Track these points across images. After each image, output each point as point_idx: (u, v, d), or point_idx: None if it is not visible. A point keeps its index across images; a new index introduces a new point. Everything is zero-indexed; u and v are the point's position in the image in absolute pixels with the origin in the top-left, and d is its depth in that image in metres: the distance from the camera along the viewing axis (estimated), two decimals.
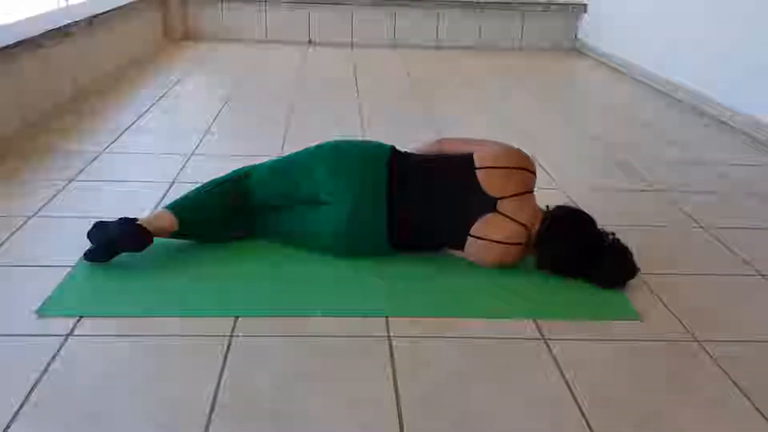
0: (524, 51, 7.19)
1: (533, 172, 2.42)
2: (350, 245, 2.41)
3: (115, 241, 2.28)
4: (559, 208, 2.40)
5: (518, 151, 2.44)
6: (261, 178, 2.47)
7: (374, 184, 2.37)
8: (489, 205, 2.32)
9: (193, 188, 2.50)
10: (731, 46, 4.63)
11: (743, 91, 4.46)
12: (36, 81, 4.07)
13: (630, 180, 3.49)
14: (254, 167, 2.55)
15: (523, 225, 2.32)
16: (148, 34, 6.50)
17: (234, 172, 2.54)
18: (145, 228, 2.29)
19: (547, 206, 2.39)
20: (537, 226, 2.33)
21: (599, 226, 2.38)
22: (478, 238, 2.33)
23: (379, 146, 2.52)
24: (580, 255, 2.31)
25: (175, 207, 2.40)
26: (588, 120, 4.70)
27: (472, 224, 2.34)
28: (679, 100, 5.19)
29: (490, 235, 2.32)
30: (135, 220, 2.43)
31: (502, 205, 2.32)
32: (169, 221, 2.35)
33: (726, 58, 4.68)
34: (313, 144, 2.57)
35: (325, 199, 2.39)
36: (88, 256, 2.31)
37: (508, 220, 2.31)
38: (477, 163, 2.36)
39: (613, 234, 2.36)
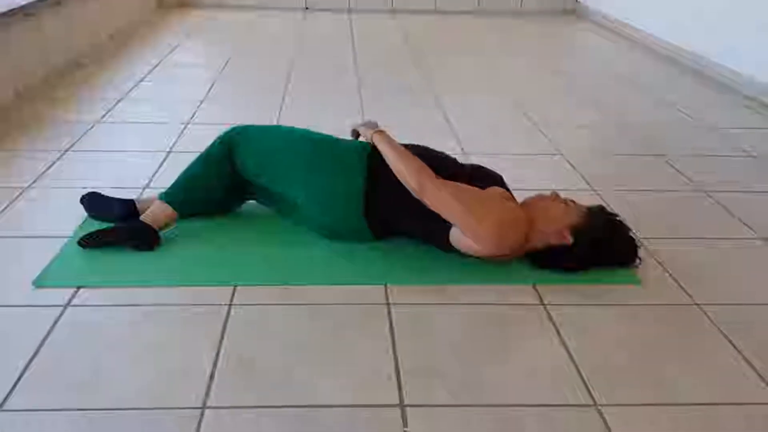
0: (524, 15, 7.11)
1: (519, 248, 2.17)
2: (336, 240, 2.36)
3: (125, 243, 2.25)
4: (551, 258, 2.19)
5: (497, 251, 2.12)
6: (244, 163, 2.36)
7: (348, 199, 2.25)
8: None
9: (183, 170, 2.42)
10: (734, 8, 4.56)
11: (746, 53, 4.41)
12: (29, 51, 4.02)
13: (630, 144, 3.46)
14: (237, 141, 2.38)
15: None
16: (143, 2, 6.41)
17: (220, 141, 2.41)
18: (156, 231, 2.29)
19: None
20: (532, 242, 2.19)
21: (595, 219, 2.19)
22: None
23: (354, 173, 2.25)
24: (578, 267, 2.21)
25: (172, 198, 2.35)
26: (588, 84, 4.65)
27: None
28: (680, 63, 5.14)
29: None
30: (133, 203, 2.43)
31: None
32: (170, 215, 2.33)
33: (729, 21, 4.62)
34: (296, 128, 2.44)
35: (303, 207, 2.34)
36: (85, 244, 2.24)
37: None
38: (452, 241, 2.17)
39: (611, 218, 2.21)
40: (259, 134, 2.42)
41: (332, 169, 2.27)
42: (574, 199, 2.25)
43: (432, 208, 2.14)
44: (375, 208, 2.25)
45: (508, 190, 2.27)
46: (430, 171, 2.16)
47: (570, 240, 2.13)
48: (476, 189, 2.17)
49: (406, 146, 2.32)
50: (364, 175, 2.24)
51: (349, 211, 2.26)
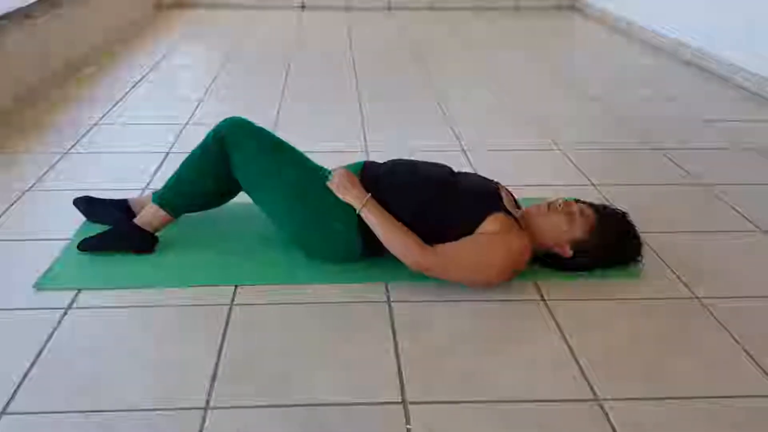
0: (522, 11, 7.10)
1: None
2: None
3: (123, 248, 2.25)
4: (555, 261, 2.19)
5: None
6: (236, 168, 2.25)
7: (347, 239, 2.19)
8: None
9: (176, 170, 2.33)
10: (733, 1, 4.56)
11: (745, 46, 4.40)
12: (27, 53, 4.02)
13: (629, 138, 3.46)
14: (230, 139, 2.24)
15: None
16: (141, 3, 6.41)
17: (213, 137, 2.27)
18: (152, 234, 2.28)
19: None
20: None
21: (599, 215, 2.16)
22: None
23: (348, 235, 2.16)
24: (579, 271, 2.20)
25: (165, 202, 2.29)
26: (587, 78, 4.65)
27: None
28: (679, 56, 5.13)
29: None
30: (127, 204, 2.42)
31: None
32: (164, 218, 2.30)
33: (728, 14, 4.61)
34: (287, 163, 2.26)
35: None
36: (84, 249, 2.24)
37: None
38: None
39: (618, 226, 2.17)
40: (251, 141, 2.27)
41: (324, 234, 2.19)
42: (580, 199, 2.22)
43: (432, 268, 2.08)
44: (374, 249, 2.18)
45: (502, 207, 2.12)
46: (420, 245, 2.06)
47: (569, 254, 2.13)
48: (470, 244, 2.06)
49: (393, 161, 2.30)
50: (357, 231, 2.16)
51: (347, 257, 2.23)
